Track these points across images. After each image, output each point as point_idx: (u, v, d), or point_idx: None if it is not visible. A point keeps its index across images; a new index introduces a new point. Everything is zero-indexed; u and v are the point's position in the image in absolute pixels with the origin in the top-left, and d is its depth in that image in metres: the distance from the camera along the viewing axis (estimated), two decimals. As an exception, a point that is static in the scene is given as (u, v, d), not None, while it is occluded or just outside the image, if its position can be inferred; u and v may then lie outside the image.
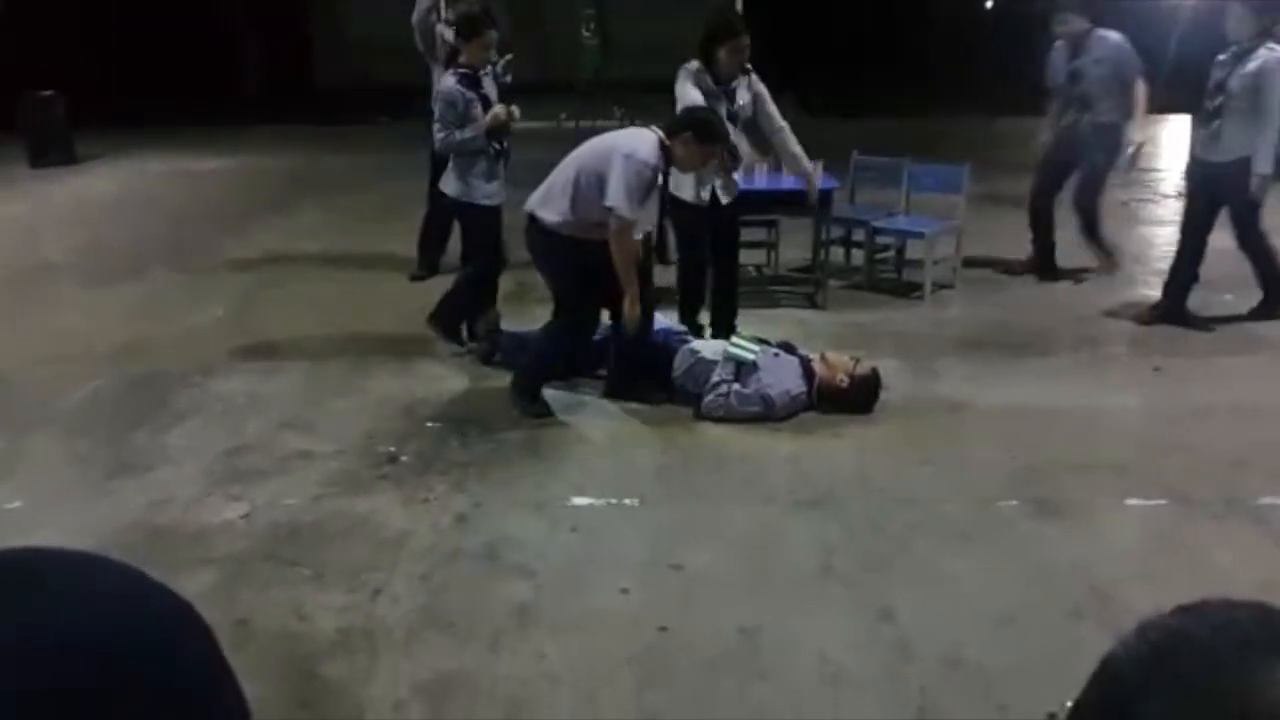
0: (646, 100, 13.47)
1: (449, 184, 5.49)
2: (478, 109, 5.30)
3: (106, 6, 15.18)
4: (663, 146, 4.52)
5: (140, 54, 15.28)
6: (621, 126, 13.50)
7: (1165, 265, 7.36)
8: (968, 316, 6.17)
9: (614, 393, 4.93)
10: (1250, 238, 5.81)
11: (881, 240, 6.87)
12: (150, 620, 0.54)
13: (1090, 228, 6.63)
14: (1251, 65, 5.32)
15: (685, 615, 3.21)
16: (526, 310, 5.91)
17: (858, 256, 6.97)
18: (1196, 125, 5.87)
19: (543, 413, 4.75)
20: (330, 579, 3.44)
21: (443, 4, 6.51)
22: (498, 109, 5.29)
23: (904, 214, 6.85)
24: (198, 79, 15.41)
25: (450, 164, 5.48)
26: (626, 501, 3.98)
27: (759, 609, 3.24)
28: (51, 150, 11.65)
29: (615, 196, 4.42)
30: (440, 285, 6.78)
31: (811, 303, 6.28)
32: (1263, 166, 5.41)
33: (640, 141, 4.53)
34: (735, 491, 4.06)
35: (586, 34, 13.32)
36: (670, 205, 4.87)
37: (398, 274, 6.94)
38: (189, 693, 0.53)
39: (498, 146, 5.31)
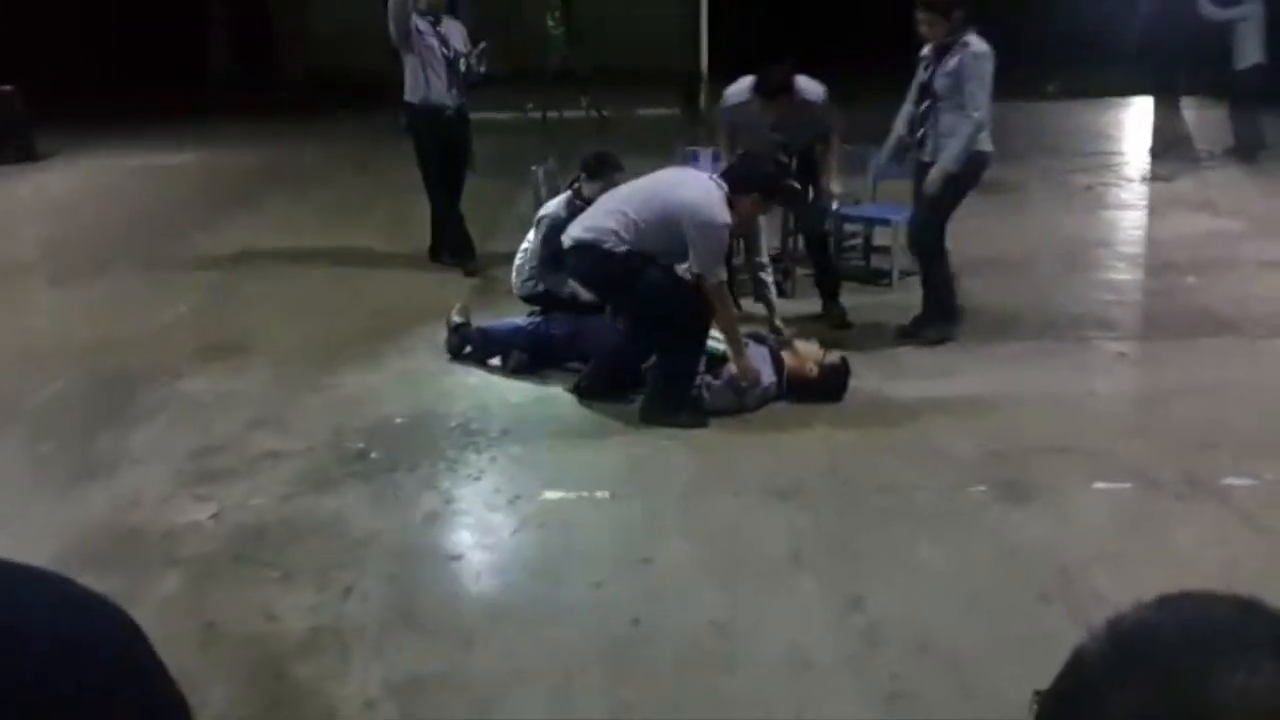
0: (612, 90, 13.49)
1: None
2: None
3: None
4: (728, 201, 4.52)
5: (103, 44, 15.09)
6: (588, 116, 13.31)
7: (1131, 250, 7.49)
8: (936, 303, 6.18)
9: (585, 391, 4.87)
10: (923, 240, 5.54)
11: (849, 228, 6.90)
12: (84, 624, 0.54)
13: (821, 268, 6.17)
14: (951, 63, 5.19)
15: (657, 608, 3.22)
16: (495, 304, 5.90)
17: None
18: (910, 130, 5.47)
19: (699, 423, 4.56)
20: (299, 579, 3.42)
21: None
22: None
23: (871, 201, 6.87)
24: (162, 66, 15.22)
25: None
26: (597, 495, 3.98)
27: (730, 600, 3.25)
28: (11, 147, 11.44)
29: (702, 264, 4.47)
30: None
31: (780, 291, 6.29)
32: (949, 162, 5.22)
33: (707, 199, 4.49)
34: (706, 483, 4.07)
35: (551, 23, 13.27)
36: None
37: (367, 269, 6.90)
38: (123, 690, 0.53)
39: None
